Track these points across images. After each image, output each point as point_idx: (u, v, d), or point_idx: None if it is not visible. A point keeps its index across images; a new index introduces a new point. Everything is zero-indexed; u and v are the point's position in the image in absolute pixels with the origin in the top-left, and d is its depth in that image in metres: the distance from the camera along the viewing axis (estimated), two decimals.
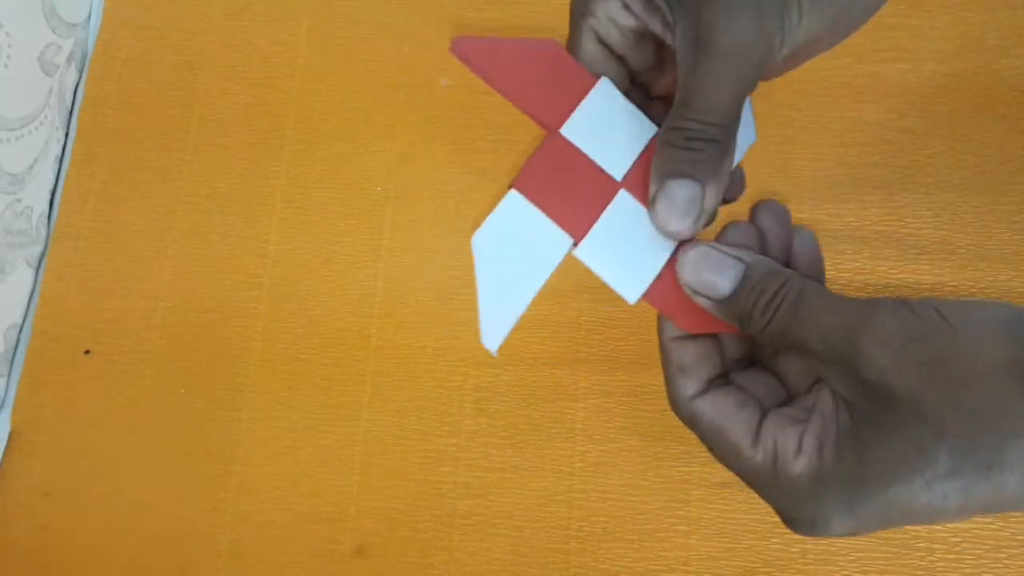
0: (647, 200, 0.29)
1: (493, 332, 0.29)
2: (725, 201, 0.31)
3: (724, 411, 0.28)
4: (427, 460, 0.44)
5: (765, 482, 0.27)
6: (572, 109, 0.30)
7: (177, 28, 0.52)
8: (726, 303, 0.28)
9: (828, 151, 0.46)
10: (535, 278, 0.29)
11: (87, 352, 0.47)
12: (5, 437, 0.46)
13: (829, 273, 0.44)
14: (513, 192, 0.29)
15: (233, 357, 0.46)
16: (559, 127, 0.30)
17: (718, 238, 0.31)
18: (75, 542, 0.45)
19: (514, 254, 0.29)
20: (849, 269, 0.44)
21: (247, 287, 0.47)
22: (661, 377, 0.31)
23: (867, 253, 0.44)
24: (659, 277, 0.29)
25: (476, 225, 0.30)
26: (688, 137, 0.27)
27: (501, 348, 0.44)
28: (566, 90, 0.30)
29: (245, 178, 0.49)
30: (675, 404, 0.30)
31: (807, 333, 0.26)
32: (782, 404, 0.30)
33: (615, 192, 0.30)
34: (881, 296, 0.28)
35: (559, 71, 0.30)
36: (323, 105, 0.50)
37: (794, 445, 0.26)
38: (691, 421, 0.29)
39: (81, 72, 0.53)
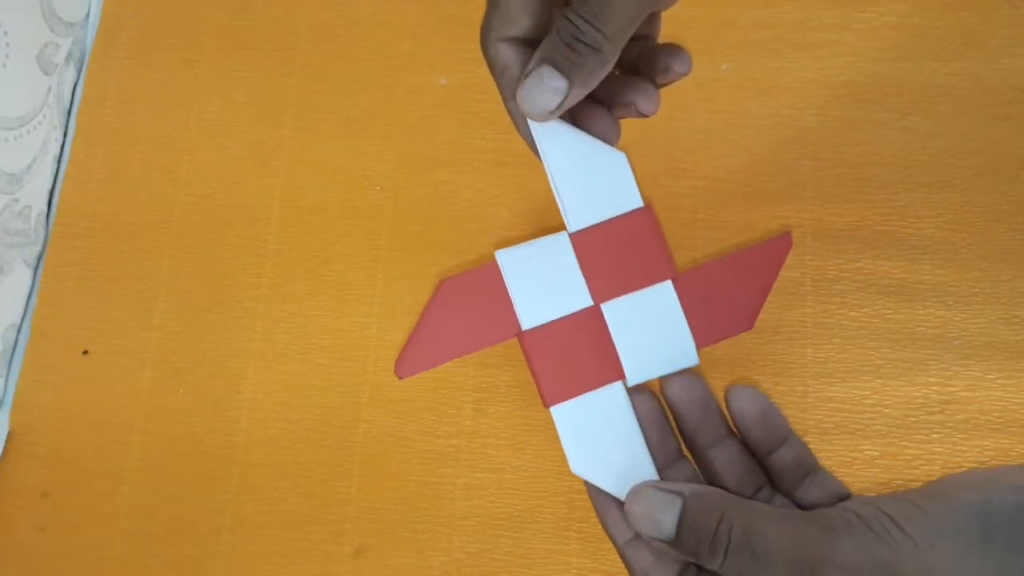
0: (625, 288, 0.29)
1: (660, 507, 0.28)
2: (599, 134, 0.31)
3: None
4: (427, 461, 0.44)
5: None
6: (509, 306, 0.30)
7: (176, 27, 0.52)
8: (675, 544, 0.27)
9: (829, 150, 0.46)
10: (632, 439, 0.29)
11: (85, 352, 0.47)
12: (4, 437, 0.46)
13: (830, 272, 0.44)
14: (553, 411, 0.30)
15: (232, 357, 0.46)
16: (519, 328, 0.30)
17: (662, 475, 0.30)
18: (73, 542, 0.45)
19: (605, 445, 0.29)
20: (851, 269, 0.44)
21: (246, 287, 0.47)
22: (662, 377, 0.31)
23: (869, 253, 0.44)
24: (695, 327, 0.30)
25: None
26: (575, 37, 0.27)
27: (500, 348, 0.45)
28: (490, 298, 0.30)
29: (243, 177, 0.49)
30: None
31: (770, 570, 0.25)
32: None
33: (601, 314, 0.30)
34: (835, 504, 0.27)
35: (469, 294, 0.31)
36: (322, 104, 0.50)
37: None
38: None
39: (80, 71, 0.52)
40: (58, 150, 0.51)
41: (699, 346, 0.30)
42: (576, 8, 0.27)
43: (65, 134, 0.52)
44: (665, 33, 0.34)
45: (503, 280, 0.30)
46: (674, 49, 0.31)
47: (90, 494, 0.45)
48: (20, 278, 0.48)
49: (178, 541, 0.44)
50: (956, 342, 0.43)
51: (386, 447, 0.44)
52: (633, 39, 0.29)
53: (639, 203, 0.30)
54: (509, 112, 0.30)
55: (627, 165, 0.30)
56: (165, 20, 0.52)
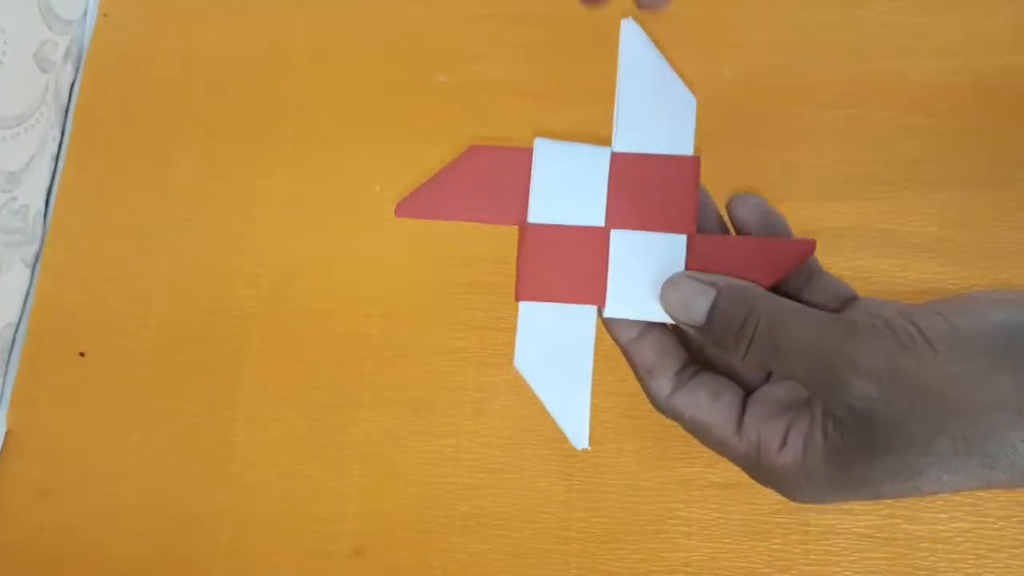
0: (640, 225, 0.29)
1: (577, 431, 0.29)
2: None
3: (700, 406, 0.28)
4: (427, 461, 0.44)
5: (751, 468, 0.28)
6: (525, 194, 0.29)
7: (174, 25, 0.52)
8: (703, 330, 0.28)
9: (830, 149, 0.46)
10: (583, 363, 0.29)
11: (82, 354, 0.47)
12: (2, 437, 0.46)
13: (831, 271, 0.44)
14: (521, 304, 0.29)
15: (231, 357, 0.46)
16: (525, 219, 0.29)
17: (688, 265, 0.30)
18: (72, 542, 0.45)
19: (555, 355, 0.29)
20: (851, 267, 0.44)
21: (245, 286, 0.47)
22: None
23: (869, 251, 0.44)
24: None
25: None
26: None
27: (500, 348, 0.45)
28: (510, 180, 0.30)
29: (243, 177, 0.49)
30: (655, 406, 0.30)
31: (789, 366, 0.26)
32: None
33: (608, 238, 0.29)
34: (865, 307, 0.27)
35: (494, 168, 0.30)
36: (321, 103, 0.49)
37: (779, 439, 0.27)
38: (674, 418, 0.29)
39: (77, 69, 0.52)
40: (56, 148, 0.51)
41: None
42: None
43: (63, 132, 0.51)
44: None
45: (530, 168, 0.29)
46: None
47: (89, 494, 0.45)
48: (18, 277, 0.48)
49: (178, 541, 0.44)
50: None
51: (386, 447, 0.44)
52: None
53: (690, 151, 0.30)
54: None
55: (694, 111, 0.30)
56: (163, 18, 0.52)
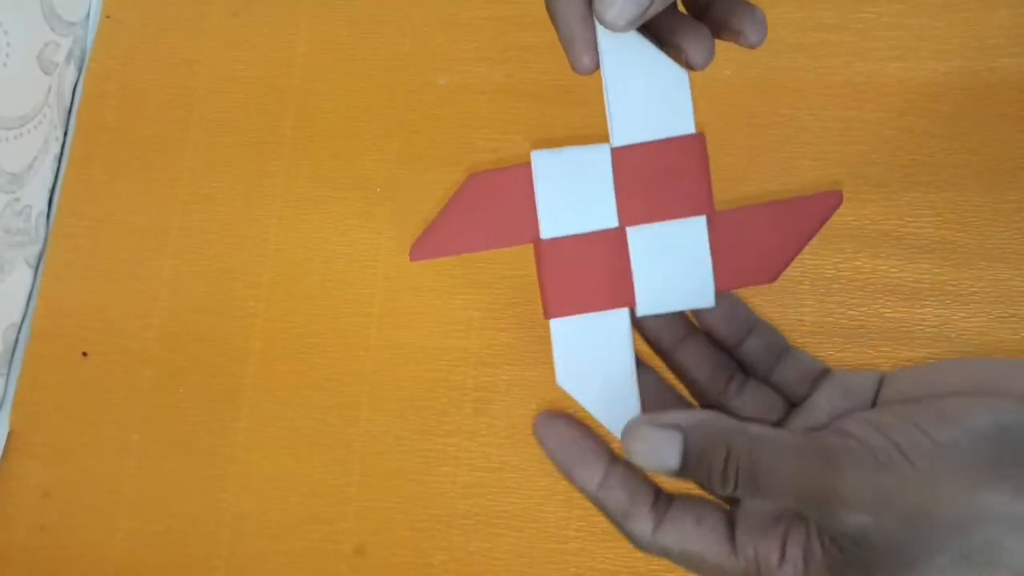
0: (655, 216, 0.28)
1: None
2: (691, 66, 0.29)
3: (686, 534, 0.27)
4: (427, 460, 0.44)
5: None
6: (533, 211, 0.28)
7: (176, 27, 0.52)
8: (680, 474, 0.26)
9: (828, 150, 0.46)
10: (624, 368, 0.28)
11: (85, 354, 0.47)
12: (4, 437, 0.46)
13: (830, 272, 0.44)
14: (553, 323, 0.28)
15: (232, 357, 0.46)
16: (538, 235, 0.29)
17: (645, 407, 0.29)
18: (74, 542, 0.45)
19: (595, 366, 0.28)
20: (850, 268, 0.44)
21: (246, 287, 0.47)
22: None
23: (867, 252, 0.44)
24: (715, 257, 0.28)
25: None
26: None
27: (500, 348, 0.45)
28: (515, 200, 0.29)
29: (244, 177, 0.49)
30: (641, 548, 0.28)
31: (776, 500, 0.25)
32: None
33: (625, 237, 0.28)
34: (841, 428, 0.26)
35: (496, 191, 0.29)
36: (322, 104, 0.50)
37: (776, 553, 0.26)
38: (663, 555, 0.28)
39: (80, 70, 0.52)
40: (59, 149, 0.51)
41: (718, 289, 0.29)
42: None
43: (65, 133, 0.52)
44: None
45: (532, 184, 0.28)
46: (753, 12, 0.28)
47: (91, 493, 0.45)
48: (21, 277, 0.48)
49: (178, 541, 0.44)
50: (954, 341, 0.43)
51: (386, 447, 0.44)
52: None
53: (691, 128, 0.28)
54: (552, 12, 0.28)
55: (687, 85, 0.28)
56: (165, 20, 0.52)
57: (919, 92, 0.46)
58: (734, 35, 0.29)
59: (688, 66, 0.29)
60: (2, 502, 0.46)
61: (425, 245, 0.29)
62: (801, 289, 0.44)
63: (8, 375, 0.48)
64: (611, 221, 0.28)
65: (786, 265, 0.29)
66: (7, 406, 0.47)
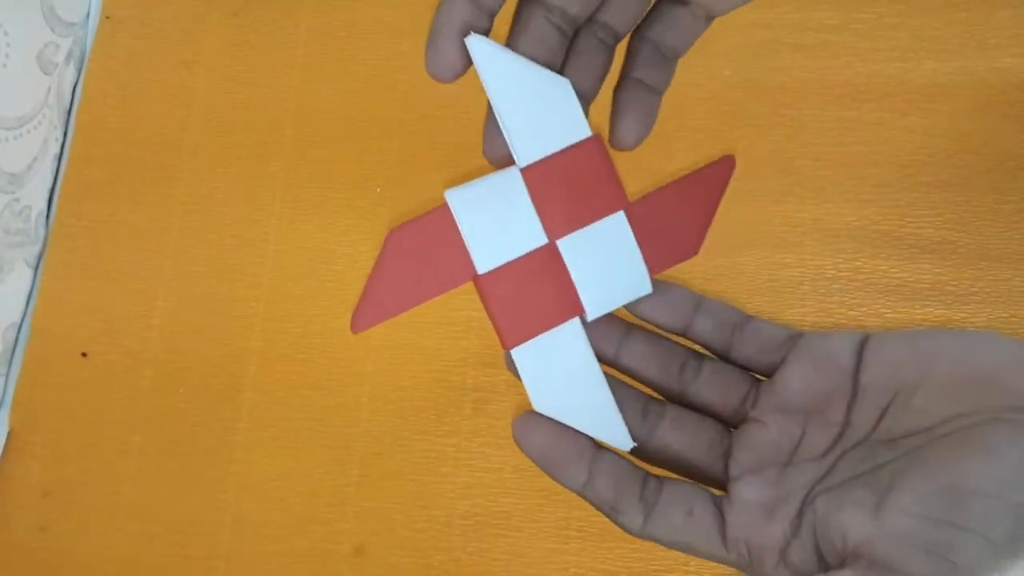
0: (579, 223, 0.28)
1: (617, 438, 0.28)
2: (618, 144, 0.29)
3: (676, 527, 0.27)
4: (426, 460, 0.44)
5: (749, 571, 0.27)
6: (464, 248, 0.29)
7: (176, 27, 0.52)
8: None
9: (828, 150, 0.46)
10: (591, 374, 0.29)
11: (84, 354, 0.47)
12: (4, 437, 0.46)
13: (830, 272, 0.44)
14: (512, 354, 0.28)
15: (232, 357, 0.46)
16: (475, 272, 0.29)
17: None
18: (74, 542, 0.45)
19: (565, 381, 0.28)
20: (849, 268, 0.44)
21: (246, 287, 0.47)
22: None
23: (868, 252, 0.44)
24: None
25: None
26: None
27: (500, 348, 0.45)
28: (443, 243, 0.29)
29: (244, 178, 0.49)
30: (634, 536, 0.28)
31: None
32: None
33: (557, 250, 0.29)
34: (776, 352, 0.26)
35: (421, 240, 0.29)
36: (322, 104, 0.50)
37: (773, 557, 0.25)
38: (655, 541, 0.28)
39: (80, 71, 0.52)
40: (58, 150, 0.51)
41: (652, 274, 0.29)
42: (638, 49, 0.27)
43: (65, 134, 0.52)
44: None
45: (455, 223, 0.29)
46: (631, 112, 0.29)
47: (91, 494, 0.45)
48: (20, 278, 0.48)
49: (178, 541, 0.44)
50: None
51: (386, 447, 0.44)
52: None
53: (587, 132, 0.29)
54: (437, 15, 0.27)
55: (571, 92, 0.28)
56: (165, 20, 0.52)
57: (920, 92, 0.46)
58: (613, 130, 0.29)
59: (615, 143, 0.29)
60: (2, 502, 0.46)
61: (364, 314, 0.29)
62: (801, 289, 0.44)
63: (8, 375, 0.48)
64: (540, 239, 0.29)
65: (703, 235, 0.30)
66: (7, 406, 0.47)
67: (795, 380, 0.27)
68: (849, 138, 0.46)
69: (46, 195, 0.50)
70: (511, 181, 0.28)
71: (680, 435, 0.29)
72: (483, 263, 0.28)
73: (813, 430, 0.27)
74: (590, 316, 0.29)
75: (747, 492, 0.27)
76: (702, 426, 0.29)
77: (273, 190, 0.49)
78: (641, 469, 0.28)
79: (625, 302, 0.29)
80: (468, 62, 0.27)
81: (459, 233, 0.29)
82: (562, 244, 0.29)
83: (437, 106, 0.49)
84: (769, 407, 0.28)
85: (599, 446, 0.28)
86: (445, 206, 0.29)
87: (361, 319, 0.29)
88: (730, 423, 0.29)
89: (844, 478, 0.25)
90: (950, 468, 0.22)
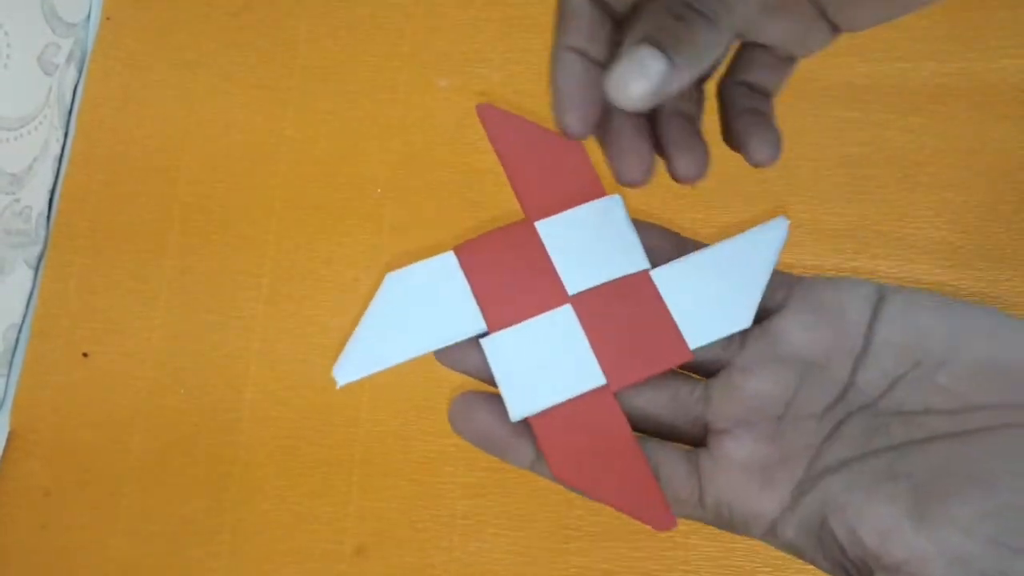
0: (587, 322, 0.26)
1: (348, 368, 0.27)
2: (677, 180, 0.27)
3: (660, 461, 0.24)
4: (427, 460, 0.44)
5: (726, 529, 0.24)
6: (562, 209, 0.27)
7: (176, 28, 0.52)
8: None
9: (829, 151, 0.46)
10: (420, 342, 0.27)
11: (85, 355, 0.47)
12: (5, 437, 0.46)
13: (829, 272, 0.44)
14: (450, 254, 0.27)
15: (232, 357, 0.46)
16: (536, 218, 0.27)
17: None
18: (75, 541, 0.45)
19: (417, 312, 0.27)
20: (849, 268, 0.44)
21: (246, 287, 0.47)
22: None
23: (868, 253, 0.44)
24: (556, 408, 0.25)
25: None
26: (685, 3, 0.22)
27: None
28: (567, 190, 0.27)
29: (244, 178, 0.49)
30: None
31: None
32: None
33: (561, 303, 0.26)
34: None
35: (571, 170, 0.28)
36: (322, 105, 0.50)
37: (761, 526, 0.23)
38: None
39: (80, 72, 0.53)
40: (59, 150, 0.51)
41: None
42: None
43: (66, 134, 0.52)
44: None
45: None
46: (765, 127, 0.26)
47: (91, 493, 0.45)
48: (21, 278, 0.48)
49: (178, 541, 0.44)
50: None
51: (386, 447, 0.44)
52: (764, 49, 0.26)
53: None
54: (553, 67, 0.24)
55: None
56: (166, 21, 0.52)
57: (920, 93, 0.46)
58: (744, 150, 0.26)
59: (675, 177, 0.27)
60: (2, 502, 0.46)
61: (496, 116, 0.27)
62: None
63: (9, 376, 0.48)
64: (574, 286, 0.27)
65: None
66: (7, 406, 0.47)
67: (794, 328, 0.25)
68: (849, 138, 0.46)
69: (47, 196, 0.50)
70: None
71: (641, 387, 0.26)
72: (546, 227, 0.27)
73: (811, 383, 0.24)
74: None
75: (735, 449, 0.24)
76: (665, 377, 0.26)
77: (273, 190, 0.49)
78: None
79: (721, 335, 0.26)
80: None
81: (580, 203, 0.27)
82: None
83: (436, 106, 0.49)
84: (759, 356, 0.25)
85: None
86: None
87: (488, 112, 0.27)
88: (701, 371, 0.26)
89: (857, 452, 0.22)
90: (1010, 484, 0.20)
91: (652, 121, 0.26)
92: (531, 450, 0.25)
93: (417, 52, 0.50)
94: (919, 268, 0.44)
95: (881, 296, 0.24)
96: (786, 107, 0.46)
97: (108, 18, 0.53)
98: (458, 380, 0.44)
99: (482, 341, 0.26)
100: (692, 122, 0.27)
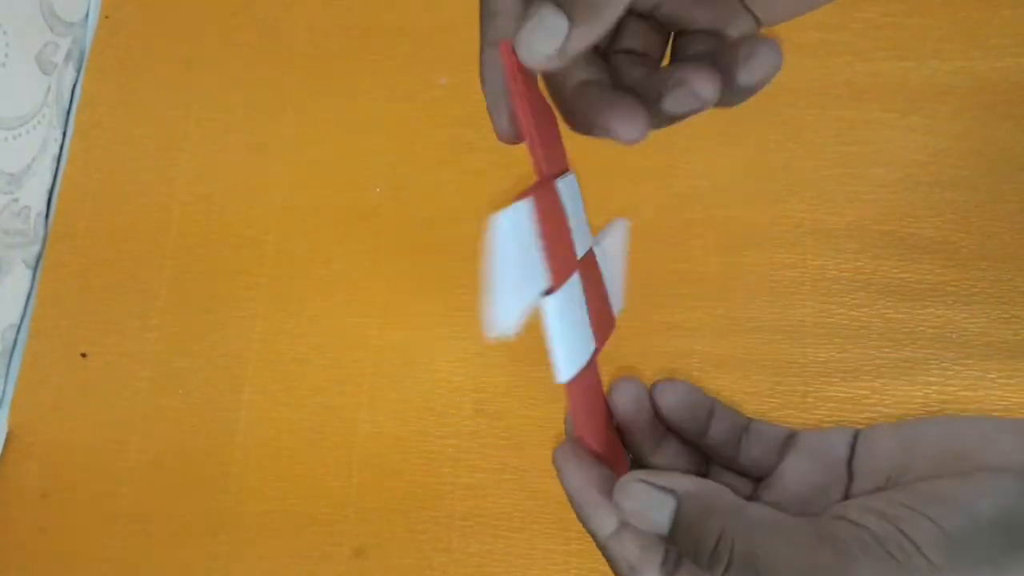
0: (585, 288, 0.27)
1: (503, 317, 0.25)
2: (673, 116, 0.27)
3: None
4: (426, 461, 0.44)
5: None
6: (557, 175, 0.27)
7: (175, 27, 0.52)
8: (669, 540, 0.26)
9: (829, 150, 0.46)
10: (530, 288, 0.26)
11: (84, 355, 0.47)
12: (3, 437, 0.46)
13: (831, 272, 0.44)
14: (530, 200, 0.25)
15: (231, 357, 0.46)
16: (553, 178, 0.27)
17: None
18: (73, 543, 0.45)
19: (524, 254, 0.25)
20: (851, 268, 0.44)
21: (246, 287, 0.47)
22: (661, 374, 0.31)
23: (869, 253, 0.44)
24: (585, 368, 0.26)
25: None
26: None
27: (500, 348, 0.45)
28: (556, 157, 0.27)
29: (243, 178, 0.49)
30: None
31: None
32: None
33: (576, 268, 0.27)
34: (844, 515, 0.24)
35: (555, 139, 0.28)
36: (321, 105, 0.50)
37: None
38: None
39: (79, 71, 0.52)
40: (57, 150, 0.51)
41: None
42: None
43: (64, 134, 0.51)
44: None
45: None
46: (761, 39, 0.26)
47: (90, 494, 0.45)
48: (19, 278, 0.48)
49: (178, 541, 0.44)
50: (956, 342, 0.43)
51: (386, 447, 0.44)
52: (695, 33, 0.27)
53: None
54: (481, 68, 0.26)
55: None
56: (165, 20, 0.52)
57: (920, 92, 0.46)
58: (744, 64, 0.26)
59: (696, 98, 0.27)
60: (2, 503, 0.46)
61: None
62: (803, 290, 0.44)
63: (7, 376, 0.48)
64: (580, 250, 0.27)
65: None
66: (6, 407, 0.47)
67: (793, 472, 0.28)
68: (850, 138, 0.46)
69: (45, 195, 0.50)
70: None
71: None
72: (563, 186, 0.27)
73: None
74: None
75: None
76: None
77: (273, 190, 0.48)
78: (664, 540, 0.27)
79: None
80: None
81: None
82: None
83: (436, 105, 0.49)
84: (769, 502, 0.28)
85: None
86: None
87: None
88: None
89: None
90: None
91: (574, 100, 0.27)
92: (616, 521, 0.27)
93: (417, 51, 0.50)
94: (920, 268, 0.44)
95: (856, 435, 0.28)
96: (787, 106, 0.47)
97: (107, 17, 0.53)
98: (458, 381, 0.44)
99: (542, 300, 0.26)
100: (607, 86, 0.27)
